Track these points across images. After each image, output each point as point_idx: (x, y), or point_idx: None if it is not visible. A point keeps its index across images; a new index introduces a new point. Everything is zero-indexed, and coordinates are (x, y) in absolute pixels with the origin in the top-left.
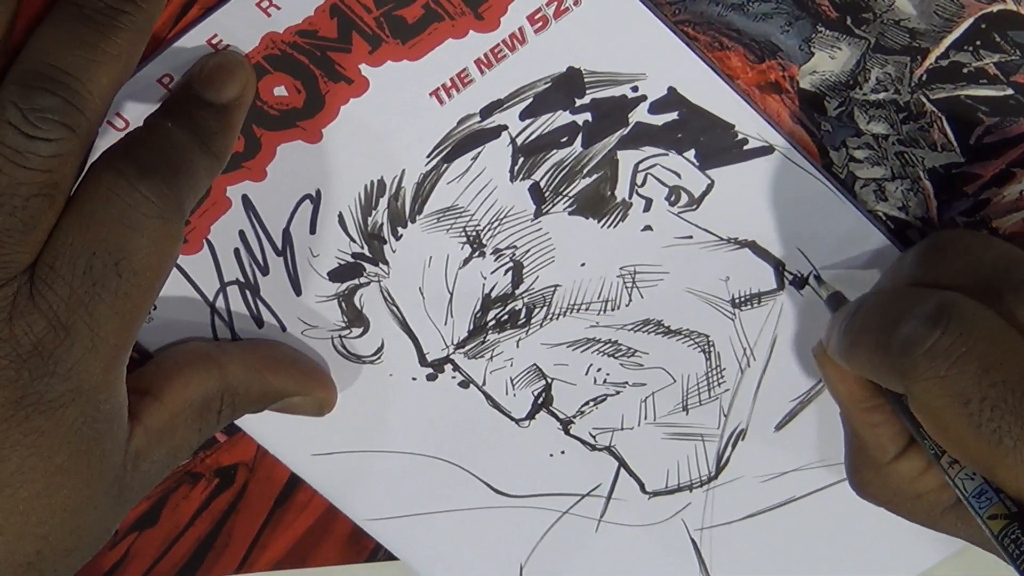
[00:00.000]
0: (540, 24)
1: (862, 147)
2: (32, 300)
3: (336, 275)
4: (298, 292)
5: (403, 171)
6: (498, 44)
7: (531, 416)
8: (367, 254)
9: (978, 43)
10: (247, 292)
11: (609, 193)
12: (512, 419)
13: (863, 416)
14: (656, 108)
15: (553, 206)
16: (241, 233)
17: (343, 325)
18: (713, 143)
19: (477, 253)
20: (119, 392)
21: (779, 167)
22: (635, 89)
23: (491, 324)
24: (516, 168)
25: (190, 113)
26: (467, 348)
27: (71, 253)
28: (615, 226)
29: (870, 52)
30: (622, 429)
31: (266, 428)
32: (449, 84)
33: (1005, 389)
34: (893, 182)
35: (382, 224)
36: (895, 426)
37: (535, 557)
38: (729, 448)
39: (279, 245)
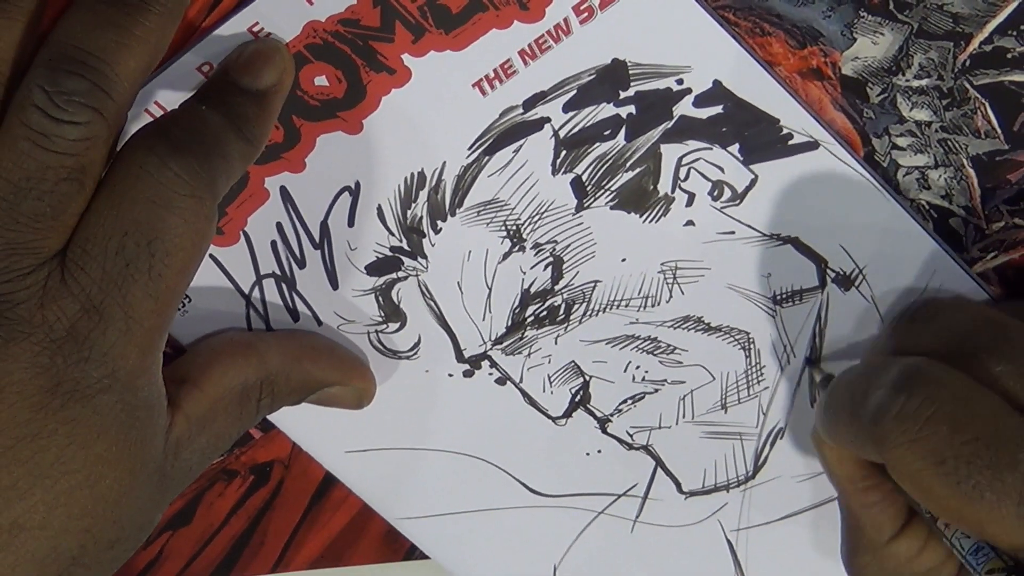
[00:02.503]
0: (586, 15)
1: (905, 134)
2: (64, 284)
3: (374, 269)
4: (335, 286)
5: (444, 163)
6: (543, 35)
7: (568, 414)
8: (406, 248)
9: (1022, 27)
10: (283, 285)
11: (652, 187)
12: (549, 417)
13: (859, 496)
14: (701, 101)
15: (595, 200)
16: (278, 225)
17: (380, 320)
18: (758, 137)
19: (517, 248)
20: (156, 379)
21: (824, 163)
22: (680, 82)
23: (530, 320)
24: (558, 161)
25: (226, 98)
26: (505, 344)
27: (103, 234)
28: (657, 221)
29: (913, 37)
30: (660, 428)
31: (300, 424)
32: (492, 75)
33: (978, 445)
34: (936, 170)
35: (421, 217)
36: (893, 505)
37: (569, 557)
38: (767, 447)
39: (316, 238)
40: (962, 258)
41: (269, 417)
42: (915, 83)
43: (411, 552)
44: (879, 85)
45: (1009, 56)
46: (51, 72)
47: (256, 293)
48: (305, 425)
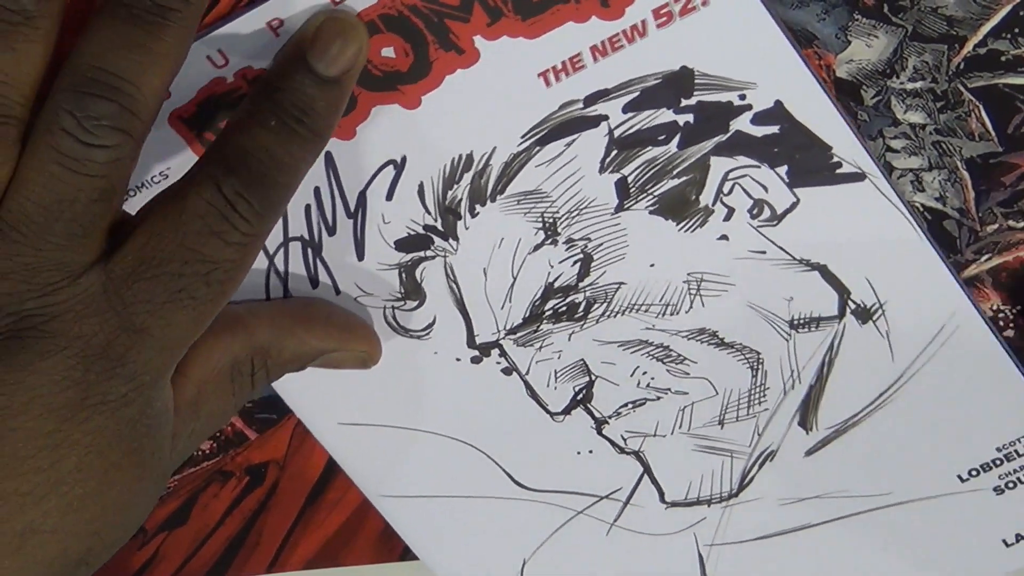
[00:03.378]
0: (664, 19)
1: (899, 137)
2: (107, 298)
3: (403, 245)
4: (360, 257)
5: (494, 148)
6: (618, 34)
7: (567, 411)
8: (439, 228)
9: (1016, 31)
10: (309, 250)
11: (694, 197)
12: (548, 412)
13: None
14: (759, 119)
15: (636, 203)
16: (316, 190)
17: (398, 296)
18: (807, 162)
19: (550, 240)
20: (169, 385)
21: (867, 196)
22: (742, 97)
23: (548, 314)
24: (607, 160)
25: (296, 89)
26: (518, 335)
27: (161, 258)
28: (692, 231)
29: (907, 40)
30: (654, 435)
31: (296, 391)
32: (560, 67)
33: None
34: (930, 172)
35: (461, 199)
36: None
37: (540, 553)
38: (756, 468)
39: (352, 207)
40: (955, 260)
41: (275, 381)
42: (909, 86)
43: (406, 552)
44: (873, 88)
45: (1003, 59)
46: (77, 96)
47: (280, 255)
48: (301, 393)
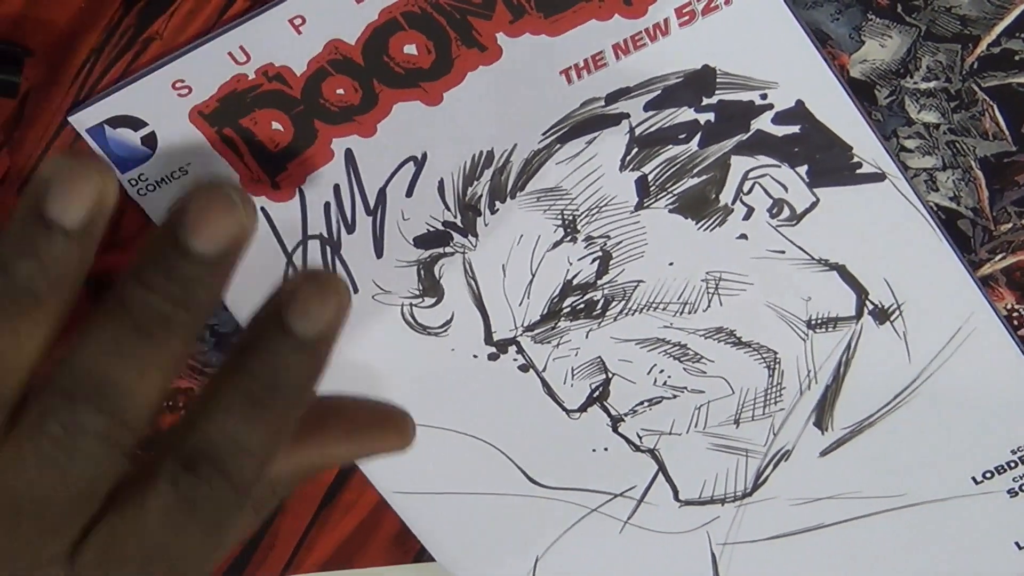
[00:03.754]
0: (687, 18)
1: (913, 136)
2: None
3: (422, 241)
4: (379, 254)
5: (515, 145)
6: (640, 32)
7: (583, 409)
8: (459, 224)
9: None
10: (327, 248)
11: (713, 196)
12: (564, 409)
13: None
14: (780, 119)
15: (656, 201)
16: (336, 187)
17: (416, 293)
18: (828, 162)
19: (569, 238)
20: None
21: (886, 196)
22: (764, 96)
23: (566, 311)
24: (628, 158)
25: (272, 358)
26: (536, 332)
27: (125, 558)
28: (712, 230)
29: (921, 40)
30: (670, 434)
31: None
32: (582, 65)
33: None
34: (944, 172)
35: (481, 196)
36: None
37: (553, 551)
38: (771, 467)
39: (371, 204)
40: (969, 259)
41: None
42: (923, 85)
43: (420, 554)
44: (887, 87)
45: (1017, 58)
46: (68, 402)
47: (299, 253)
48: None
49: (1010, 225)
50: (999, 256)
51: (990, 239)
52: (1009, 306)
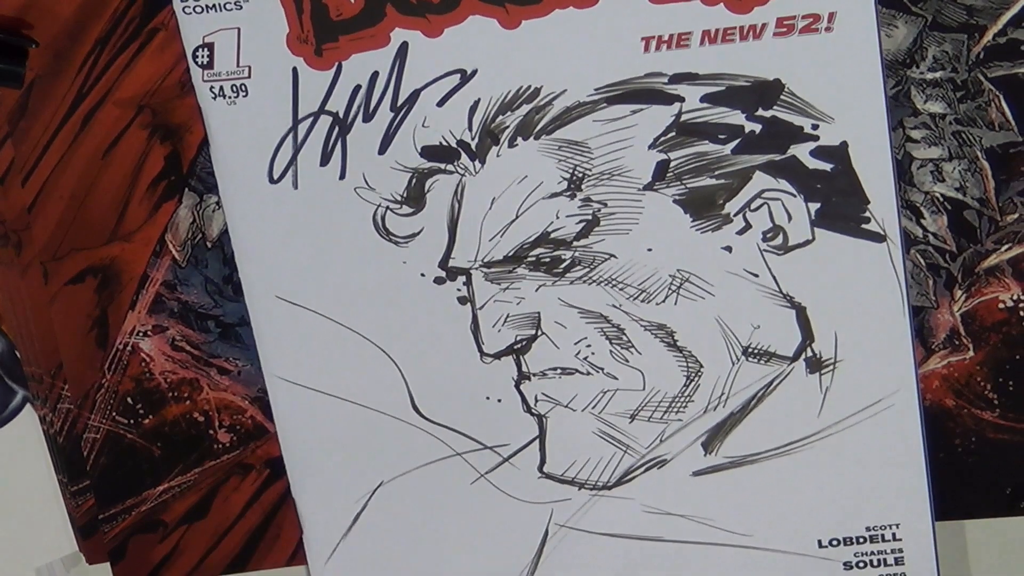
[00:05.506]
0: (784, 31)
1: (919, 127)
2: None
3: (429, 152)
4: (382, 151)
5: (564, 91)
6: (734, 28)
7: (498, 356)
8: (472, 147)
9: None
10: (336, 127)
11: (721, 202)
12: (480, 350)
13: None
14: (818, 153)
15: (666, 187)
16: (374, 74)
17: (398, 199)
18: (841, 208)
19: (568, 193)
20: None
21: (876, 259)
22: (815, 127)
23: (530, 260)
24: (662, 139)
25: None
26: (492, 270)
27: None
28: (703, 232)
29: (927, 30)
30: (566, 406)
31: (248, 256)
32: (666, 38)
33: None
34: (950, 162)
35: (507, 127)
36: None
37: (399, 481)
38: (641, 470)
39: (400, 101)
40: (976, 250)
41: None
42: (929, 75)
43: None
44: (893, 78)
45: (1023, 48)
46: None
47: (307, 123)
48: (251, 260)
49: (1016, 215)
50: (1005, 246)
51: (996, 229)
52: (1015, 296)
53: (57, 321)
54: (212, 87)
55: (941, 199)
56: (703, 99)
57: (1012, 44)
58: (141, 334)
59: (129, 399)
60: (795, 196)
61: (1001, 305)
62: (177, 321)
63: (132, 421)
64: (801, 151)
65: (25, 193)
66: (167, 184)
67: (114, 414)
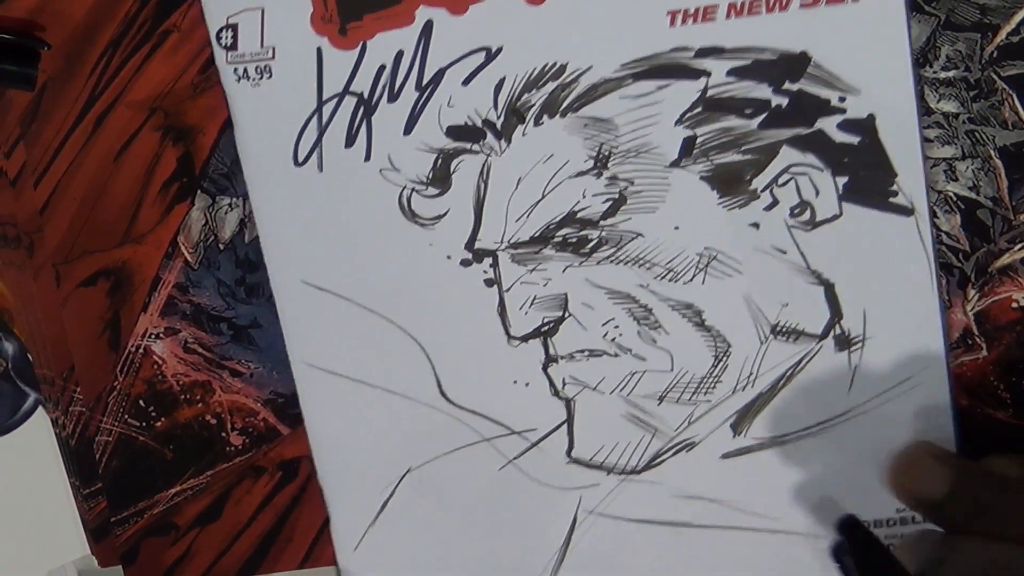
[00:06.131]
0: (811, 1)
1: (932, 126)
2: None
3: (455, 132)
4: (407, 131)
5: (590, 67)
6: (760, 0)
7: (526, 339)
8: (498, 127)
9: None
10: (361, 108)
11: (748, 178)
12: (508, 333)
13: None
14: (845, 126)
15: (693, 163)
16: (399, 54)
17: (424, 181)
18: (869, 181)
19: (595, 172)
20: None
21: (904, 233)
22: (842, 99)
23: (556, 240)
24: (688, 114)
25: None
26: (519, 251)
27: None
28: (731, 209)
29: (940, 29)
30: (594, 389)
31: (273, 242)
32: (692, 11)
33: None
34: (964, 161)
35: (533, 105)
36: None
37: (428, 467)
38: (670, 453)
39: (425, 81)
40: (989, 250)
41: None
42: (942, 75)
43: None
44: None
45: None
46: None
47: (332, 104)
48: (277, 244)
49: None
50: (1018, 245)
51: (1009, 228)
52: None
53: (69, 324)
54: (236, 69)
55: (954, 198)
56: (729, 73)
57: None
58: (153, 337)
59: (141, 402)
60: (822, 170)
61: (1015, 304)
62: (189, 323)
63: (144, 424)
64: (828, 124)
65: (37, 195)
66: (179, 186)
67: (126, 417)
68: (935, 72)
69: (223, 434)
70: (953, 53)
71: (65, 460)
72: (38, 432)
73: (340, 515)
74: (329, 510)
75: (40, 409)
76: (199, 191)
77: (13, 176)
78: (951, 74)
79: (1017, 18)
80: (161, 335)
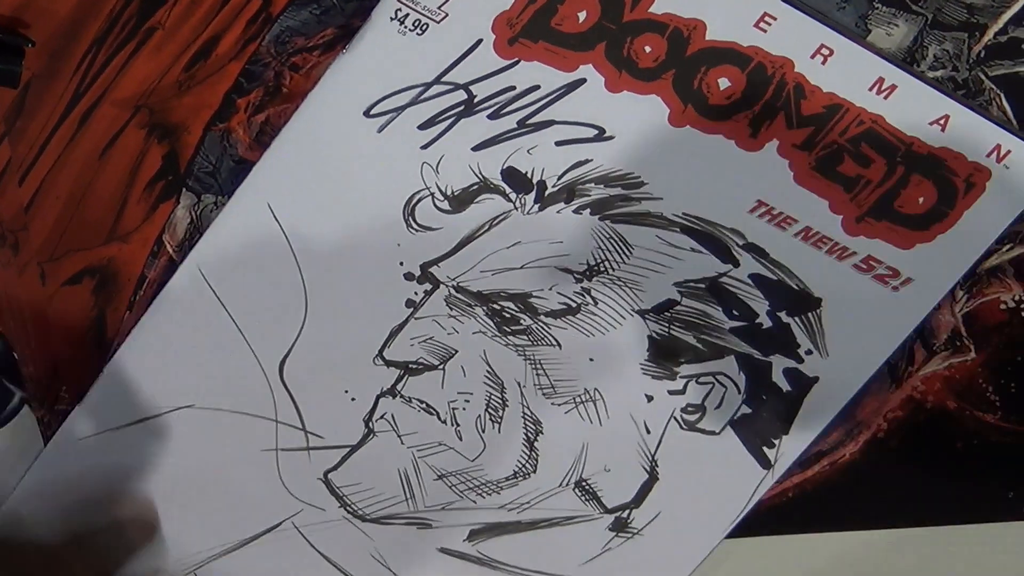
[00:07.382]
0: (865, 268)
1: None
2: None
3: (509, 175)
4: (477, 149)
5: (661, 199)
6: (834, 241)
7: (389, 364)
8: (546, 194)
9: None
10: (462, 106)
11: (683, 360)
12: (381, 351)
13: None
14: (788, 374)
15: (656, 321)
16: (535, 87)
17: (444, 193)
18: (761, 424)
19: (577, 276)
20: None
21: (749, 479)
22: (808, 352)
23: (494, 307)
24: (691, 283)
25: None
26: (458, 295)
27: None
28: (645, 373)
29: (927, 29)
30: (398, 435)
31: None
32: (775, 213)
33: None
34: None
35: (589, 196)
36: None
37: (211, 412)
38: (403, 521)
39: (531, 121)
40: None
41: None
42: (930, 74)
43: None
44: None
45: None
46: None
47: (443, 88)
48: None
49: None
50: (1007, 246)
51: None
52: (1017, 297)
53: (55, 322)
54: (400, 9)
55: None
56: (751, 276)
57: (1013, 43)
58: None
59: None
60: (739, 394)
61: (1003, 306)
62: None
63: None
64: (778, 363)
65: (22, 193)
66: (165, 184)
67: None
68: (923, 72)
69: None
70: (941, 53)
71: None
72: (24, 430)
73: None
74: None
75: (26, 407)
76: (184, 189)
77: None
78: (939, 74)
79: (1004, 18)
80: None
